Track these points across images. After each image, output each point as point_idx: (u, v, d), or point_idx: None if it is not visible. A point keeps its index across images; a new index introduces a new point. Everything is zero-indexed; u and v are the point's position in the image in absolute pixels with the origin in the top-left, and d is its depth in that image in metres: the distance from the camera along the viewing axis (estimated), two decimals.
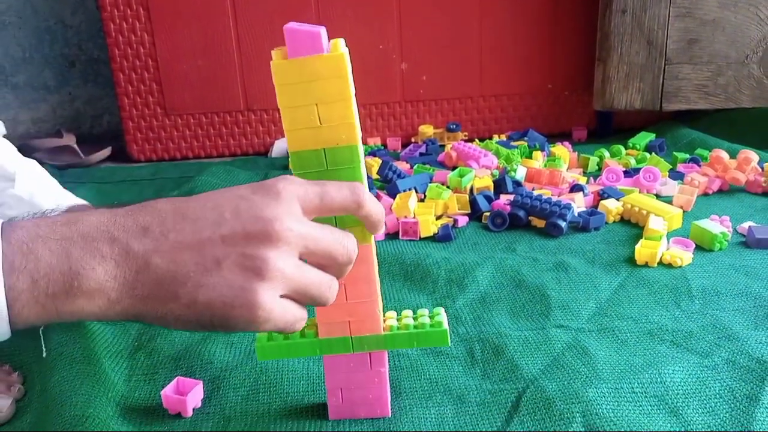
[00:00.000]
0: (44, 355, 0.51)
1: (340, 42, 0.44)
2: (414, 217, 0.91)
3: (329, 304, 0.43)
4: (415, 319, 0.51)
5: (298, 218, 0.40)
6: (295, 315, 0.42)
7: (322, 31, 0.43)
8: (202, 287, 0.39)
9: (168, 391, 0.55)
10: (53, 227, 0.38)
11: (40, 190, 0.65)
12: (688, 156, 1.13)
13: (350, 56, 0.44)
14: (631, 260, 0.80)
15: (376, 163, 1.12)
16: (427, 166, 1.13)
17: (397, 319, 0.51)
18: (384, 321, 0.50)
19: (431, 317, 0.51)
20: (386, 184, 1.04)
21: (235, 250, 0.39)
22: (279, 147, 1.34)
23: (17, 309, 0.37)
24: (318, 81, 0.43)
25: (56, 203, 0.63)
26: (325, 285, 0.43)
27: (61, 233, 0.38)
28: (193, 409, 0.55)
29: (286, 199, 0.40)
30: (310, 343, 0.50)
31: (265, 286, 0.39)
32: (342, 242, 0.42)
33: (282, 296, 0.41)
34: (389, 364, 0.60)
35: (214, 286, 0.39)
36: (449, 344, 0.50)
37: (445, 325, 0.50)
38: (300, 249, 0.40)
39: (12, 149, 0.72)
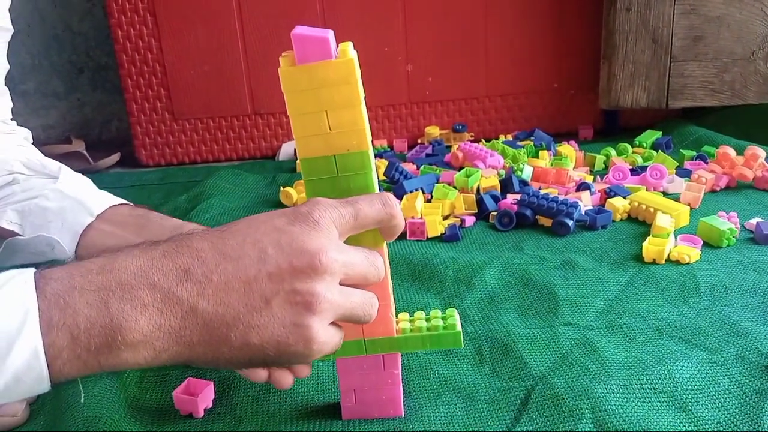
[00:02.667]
0: (82, 400, 0.51)
1: (349, 46, 0.43)
2: (421, 218, 0.91)
3: (373, 319, 0.44)
4: (428, 320, 0.51)
5: (338, 246, 0.41)
6: (339, 337, 0.43)
7: (330, 35, 0.42)
8: (253, 328, 0.38)
9: (179, 392, 0.56)
10: (88, 276, 0.36)
11: (84, 187, 0.64)
12: (695, 153, 1.13)
13: (357, 60, 0.44)
14: (638, 258, 0.80)
15: (382, 164, 1.12)
16: (434, 166, 1.13)
17: (410, 321, 0.51)
18: (397, 323, 0.51)
19: (444, 319, 0.51)
20: (393, 186, 1.05)
21: (284, 287, 0.38)
22: (286, 150, 1.34)
23: (58, 366, 0.35)
24: (327, 87, 0.43)
25: (100, 200, 0.62)
26: (368, 304, 0.43)
27: (98, 283, 0.36)
28: (205, 410, 0.56)
29: (324, 227, 0.40)
30: None
31: (316, 319, 0.39)
32: (373, 263, 0.43)
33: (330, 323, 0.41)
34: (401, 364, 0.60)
35: (266, 325, 0.38)
36: (462, 346, 0.51)
37: (459, 327, 0.50)
38: (341, 276, 0.41)
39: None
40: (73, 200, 0.61)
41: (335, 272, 0.40)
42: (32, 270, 0.37)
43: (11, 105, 0.70)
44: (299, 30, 0.42)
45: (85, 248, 0.60)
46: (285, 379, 0.46)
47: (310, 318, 0.39)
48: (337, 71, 0.43)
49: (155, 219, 0.61)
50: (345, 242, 0.44)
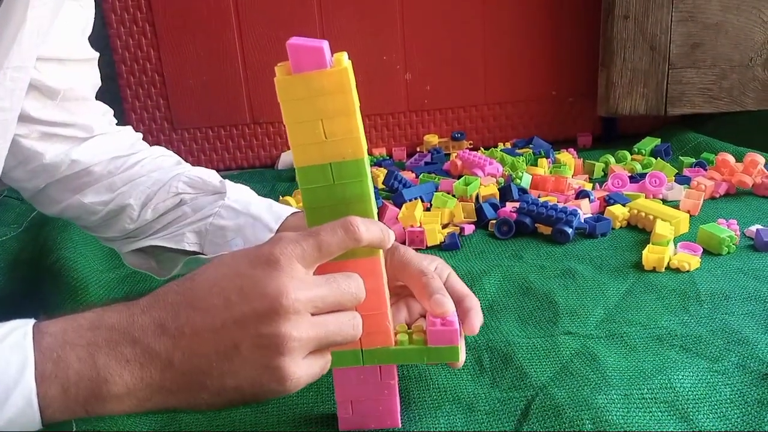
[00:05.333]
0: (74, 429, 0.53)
1: (344, 56, 0.44)
2: (420, 226, 0.91)
3: (357, 338, 0.45)
4: (426, 332, 0.51)
5: (301, 282, 0.41)
6: (320, 366, 0.44)
7: (325, 45, 0.43)
8: (227, 374, 0.40)
9: None
10: (80, 332, 0.40)
11: (253, 201, 0.65)
12: (694, 160, 1.13)
13: (354, 68, 0.44)
14: (638, 266, 0.80)
15: (381, 173, 1.12)
16: (433, 175, 1.13)
17: (408, 333, 0.51)
18: (395, 334, 0.50)
19: None
20: (392, 194, 1.05)
21: (250, 332, 0.40)
22: (285, 159, 1.34)
23: (48, 414, 0.39)
24: (322, 96, 0.43)
25: (275, 215, 0.63)
26: (347, 326, 0.44)
27: (87, 339, 0.40)
28: None
29: (285, 267, 0.41)
30: None
31: (286, 359, 0.40)
32: (348, 290, 0.43)
33: (306, 356, 0.42)
34: (398, 374, 0.60)
35: (239, 370, 0.40)
36: (459, 360, 0.50)
37: (457, 342, 0.50)
38: (310, 311, 0.42)
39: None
40: (247, 216, 0.63)
41: (300, 310, 0.41)
42: (32, 322, 0.40)
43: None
44: (294, 40, 0.43)
45: None
46: None
47: (279, 359, 0.40)
48: (332, 80, 0.43)
49: None
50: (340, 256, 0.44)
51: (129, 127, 0.72)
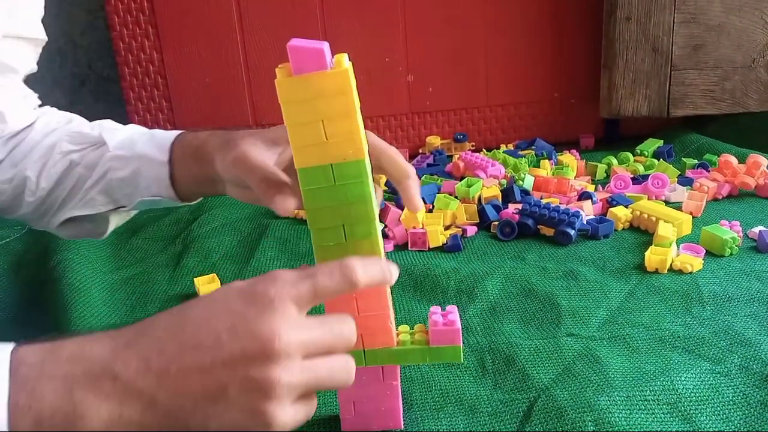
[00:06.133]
0: None
1: (344, 57, 0.44)
2: (423, 228, 0.91)
3: (350, 384, 0.43)
4: (428, 333, 0.51)
5: (294, 324, 0.39)
6: (306, 411, 0.41)
7: (326, 47, 0.43)
8: (212, 416, 0.38)
9: None
10: (58, 363, 0.38)
11: (133, 138, 0.63)
12: (696, 161, 1.13)
13: (356, 69, 0.44)
14: (641, 267, 0.79)
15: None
16: (435, 176, 1.13)
17: (410, 333, 0.51)
18: (397, 335, 0.50)
19: None
20: (394, 196, 1.05)
21: (238, 374, 0.38)
22: None
23: None
24: (323, 97, 0.43)
25: (158, 147, 0.61)
26: (339, 371, 0.42)
27: (65, 370, 0.37)
28: None
29: (279, 308, 0.39)
30: None
31: (273, 403, 0.38)
32: (340, 333, 0.42)
33: (294, 401, 0.40)
34: (400, 376, 0.60)
35: (224, 413, 0.38)
36: (462, 361, 0.50)
37: (459, 342, 0.50)
38: (301, 354, 0.40)
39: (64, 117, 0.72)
40: (137, 160, 0.61)
41: (291, 353, 0.39)
42: (10, 348, 0.38)
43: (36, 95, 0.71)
44: (295, 42, 0.43)
45: (183, 187, 0.61)
46: None
47: (266, 404, 0.38)
48: (333, 81, 0.43)
49: (201, 147, 0.60)
50: (345, 245, 0.44)
51: (47, 107, 0.71)
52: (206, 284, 0.80)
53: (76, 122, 0.69)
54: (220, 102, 1.32)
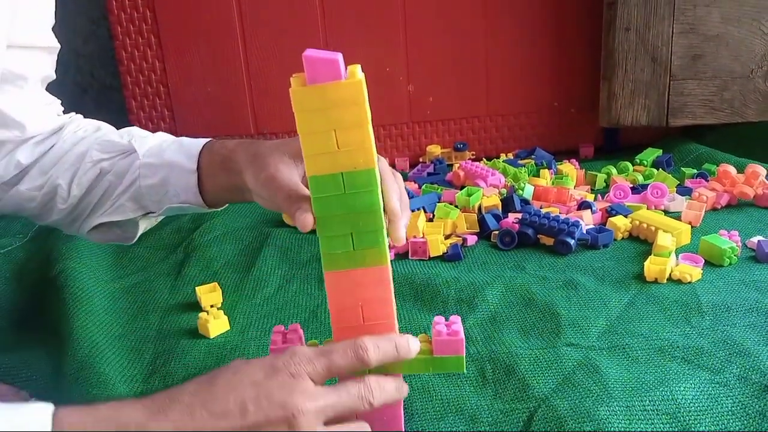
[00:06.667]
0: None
1: (358, 68, 0.45)
2: (423, 237, 0.91)
3: None
4: (431, 343, 0.51)
5: (312, 395, 0.44)
6: None
7: (340, 57, 0.44)
8: None
9: None
10: (96, 424, 0.41)
11: (164, 144, 0.65)
12: (695, 171, 1.13)
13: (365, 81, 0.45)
14: (640, 277, 0.80)
15: None
16: (435, 185, 1.14)
17: None
18: None
19: None
20: None
21: None
22: None
23: None
24: (336, 107, 0.44)
25: (186, 154, 0.63)
26: None
27: (104, 430, 0.41)
28: None
29: (299, 381, 0.44)
30: None
31: None
32: (361, 395, 0.46)
33: None
34: None
35: None
36: (465, 371, 0.51)
37: (463, 352, 0.50)
38: (321, 420, 0.44)
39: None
40: (166, 168, 0.63)
41: (311, 421, 0.43)
42: (50, 410, 0.40)
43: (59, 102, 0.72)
44: (310, 52, 0.44)
45: (211, 194, 0.63)
46: None
47: None
48: (346, 92, 0.44)
49: (230, 156, 0.61)
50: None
51: (72, 113, 0.72)
52: (207, 293, 0.80)
53: (105, 130, 0.70)
54: (222, 110, 1.33)
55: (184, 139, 0.66)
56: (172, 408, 0.42)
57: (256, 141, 0.59)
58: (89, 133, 0.69)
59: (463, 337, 0.49)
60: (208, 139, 0.64)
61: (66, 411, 0.41)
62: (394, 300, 0.50)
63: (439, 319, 0.51)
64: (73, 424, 0.41)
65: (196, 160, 0.62)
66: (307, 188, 0.50)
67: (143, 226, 0.70)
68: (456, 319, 0.51)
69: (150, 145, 0.66)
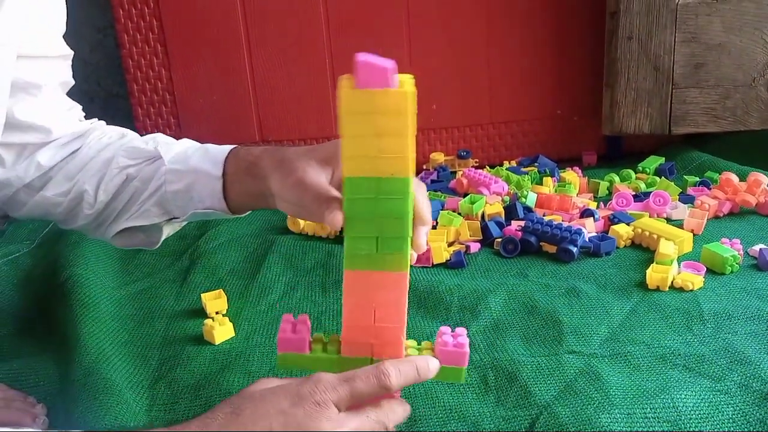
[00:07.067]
0: None
1: (409, 79, 0.45)
2: (426, 245, 0.92)
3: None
4: (435, 351, 0.52)
5: (337, 423, 0.45)
6: None
7: (392, 65, 0.44)
8: None
9: None
10: None
11: (188, 153, 0.66)
12: (697, 179, 1.14)
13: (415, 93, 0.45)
14: (642, 285, 0.80)
15: None
16: (439, 193, 1.14)
17: (418, 349, 0.52)
18: (405, 349, 0.52)
19: None
20: None
21: None
22: None
23: None
24: (382, 114, 0.44)
25: (212, 161, 0.64)
26: None
27: None
28: None
29: (324, 409, 0.45)
30: (329, 359, 0.51)
31: None
32: (378, 420, 0.48)
33: None
34: (404, 392, 0.61)
35: None
36: (464, 381, 0.51)
37: (465, 364, 0.51)
38: None
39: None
40: (191, 174, 0.64)
41: None
42: None
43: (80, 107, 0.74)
44: (363, 57, 0.44)
45: (235, 201, 0.64)
46: None
47: None
48: (394, 101, 0.44)
49: (257, 162, 0.62)
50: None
51: (95, 119, 0.74)
52: (213, 299, 0.81)
53: (130, 136, 0.71)
54: (227, 119, 1.34)
55: (210, 146, 0.66)
56: None
57: (282, 147, 0.60)
58: (114, 139, 0.70)
59: (468, 350, 0.50)
60: (234, 146, 0.65)
61: None
62: (406, 307, 0.50)
63: (445, 329, 0.51)
64: None
65: (222, 166, 0.63)
66: (339, 194, 0.51)
67: (167, 231, 0.71)
68: (462, 331, 0.51)
69: (176, 151, 0.66)
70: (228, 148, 0.65)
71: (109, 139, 0.70)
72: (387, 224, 0.47)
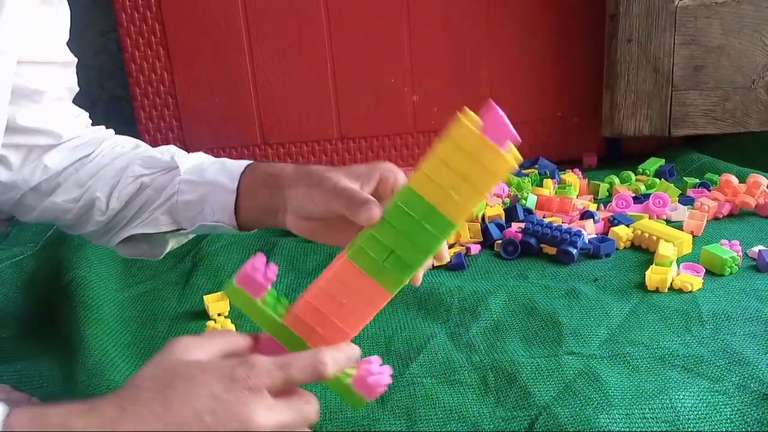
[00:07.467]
0: None
1: (517, 154, 0.46)
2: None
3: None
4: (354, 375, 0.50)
5: (267, 409, 0.44)
6: None
7: (513, 132, 0.45)
8: None
9: None
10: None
11: (205, 166, 0.66)
12: (697, 181, 1.14)
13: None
14: (641, 286, 0.81)
15: None
16: None
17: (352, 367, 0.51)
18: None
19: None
20: None
21: None
22: None
23: None
24: (480, 165, 0.45)
25: (229, 175, 0.64)
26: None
27: None
28: None
29: (256, 396, 0.44)
30: (270, 318, 0.50)
31: None
32: (306, 415, 0.46)
33: None
34: (404, 393, 0.62)
35: None
36: (357, 409, 0.51)
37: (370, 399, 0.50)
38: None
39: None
40: (206, 185, 0.64)
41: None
42: (4, 414, 0.41)
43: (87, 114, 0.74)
44: (497, 109, 0.45)
45: (245, 216, 0.64)
46: None
47: None
48: (499, 163, 0.45)
49: (276, 174, 0.62)
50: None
51: (101, 127, 0.74)
52: (215, 301, 0.82)
53: (144, 147, 0.72)
54: (229, 121, 1.34)
55: (227, 160, 0.66)
56: (125, 419, 0.42)
57: (308, 165, 0.60)
58: (128, 149, 0.70)
59: (383, 390, 0.49)
60: (251, 161, 0.65)
61: (17, 416, 0.41)
62: (367, 322, 0.50)
63: (375, 358, 0.51)
64: (21, 424, 0.41)
65: (237, 180, 0.63)
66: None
67: (171, 244, 0.71)
68: (388, 370, 0.50)
69: (192, 163, 0.67)
70: (245, 162, 0.65)
71: (123, 148, 0.71)
72: (409, 248, 0.48)
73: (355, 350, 0.49)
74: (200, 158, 0.68)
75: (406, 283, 0.50)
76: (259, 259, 0.49)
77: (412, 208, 0.47)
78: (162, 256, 0.71)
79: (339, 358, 0.47)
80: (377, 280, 0.49)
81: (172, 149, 0.69)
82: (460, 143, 0.45)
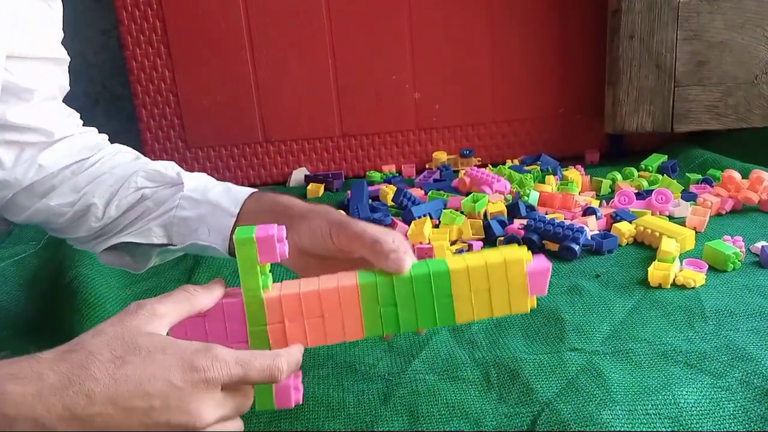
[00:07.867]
0: None
1: (534, 302, 0.53)
2: (429, 243, 0.92)
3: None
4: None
5: (216, 405, 0.44)
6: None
7: (546, 290, 0.52)
8: None
9: None
10: None
11: (210, 187, 0.66)
12: (700, 177, 1.14)
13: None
14: (644, 282, 0.81)
15: (391, 190, 1.14)
16: (441, 192, 1.15)
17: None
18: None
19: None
20: (401, 211, 1.06)
21: None
22: (296, 177, 1.37)
23: None
24: (508, 295, 0.52)
25: (233, 199, 0.64)
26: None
27: None
28: None
29: (210, 390, 0.43)
30: (255, 286, 0.50)
31: None
32: (241, 411, 0.46)
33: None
34: (406, 389, 0.61)
35: None
36: (258, 410, 0.51)
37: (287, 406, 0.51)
38: (215, 427, 0.44)
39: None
40: (207, 204, 0.64)
41: (214, 427, 0.44)
42: None
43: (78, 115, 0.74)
44: (549, 266, 0.52)
45: None
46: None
47: None
48: (521, 303, 0.52)
49: (285, 203, 0.62)
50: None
51: (94, 129, 0.73)
52: None
53: (144, 159, 0.71)
54: (231, 119, 1.35)
55: (231, 185, 0.66)
56: (67, 391, 0.40)
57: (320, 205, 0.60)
58: (129, 159, 0.70)
59: (296, 402, 0.50)
60: (255, 190, 0.65)
61: None
62: (324, 344, 0.52)
63: (300, 374, 0.51)
64: None
65: (240, 205, 0.63)
66: None
67: (155, 260, 0.70)
68: (300, 386, 0.51)
69: (197, 181, 0.66)
70: (250, 190, 0.65)
71: (123, 158, 0.70)
72: (410, 312, 0.51)
73: (301, 358, 0.50)
74: (205, 179, 0.68)
75: (379, 334, 0.52)
76: (282, 233, 0.50)
77: (437, 286, 0.51)
78: (142, 272, 0.71)
79: (291, 365, 0.48)
80: (364, 318, 0.50)
81: (176, 167, 0.69)
82: (508, 272, 0.51)
